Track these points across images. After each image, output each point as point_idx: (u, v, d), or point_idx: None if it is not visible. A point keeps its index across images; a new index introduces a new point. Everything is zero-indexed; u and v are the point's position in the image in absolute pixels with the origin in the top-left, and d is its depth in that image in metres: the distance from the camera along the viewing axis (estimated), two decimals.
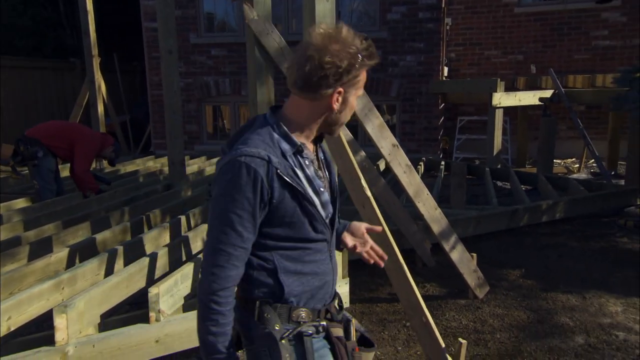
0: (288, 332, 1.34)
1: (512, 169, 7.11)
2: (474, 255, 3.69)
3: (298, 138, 1.36)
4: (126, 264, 3.12)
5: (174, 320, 2.64)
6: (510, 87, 8.18)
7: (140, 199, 4.80)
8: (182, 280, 2.79)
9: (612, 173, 7.25)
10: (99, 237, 3.47)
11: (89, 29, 7.49)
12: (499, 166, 7.37)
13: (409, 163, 3.42)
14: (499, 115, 7.28)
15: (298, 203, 1.32)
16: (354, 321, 1.48)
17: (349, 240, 1.59)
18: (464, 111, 9.48)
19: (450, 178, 6.59)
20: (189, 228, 3.93)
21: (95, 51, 7.63)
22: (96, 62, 7.68)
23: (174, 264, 3.20)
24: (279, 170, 1.27)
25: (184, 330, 2.65)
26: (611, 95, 5.77)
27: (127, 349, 2.49)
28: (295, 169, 1.32)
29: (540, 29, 9.04)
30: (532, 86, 8.29)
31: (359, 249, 1.59)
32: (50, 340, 2.33)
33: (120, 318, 2.74)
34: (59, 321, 2.32)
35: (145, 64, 9.36)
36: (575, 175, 7.33)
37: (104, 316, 2.67)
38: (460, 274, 3.61)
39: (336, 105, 1.32)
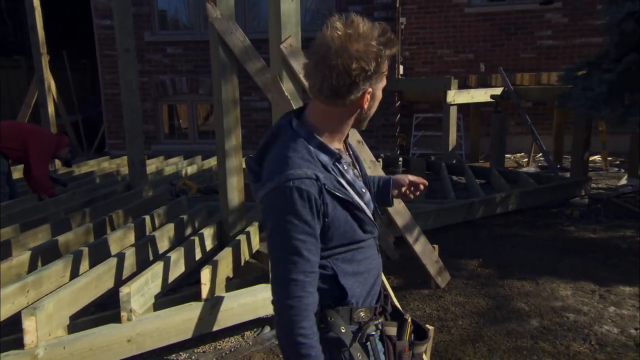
0: (358, 336, 1.32)
1: (466, 164, 7.39)
2: (436, 246, 3.84)
3: (332, 144, 1.31)
4: (92, 265, 3.07)
5: (145, 319, 2.64)
6: (463, 85, 8.48)
7: (99, 200, 4.70)
8: (152, 279, 2.78)
9: (558, 166, 7.67)
10: (61, 239, 3.39)
11: (36, 26, 7.20)
12: (454, 161, 7.63)
13: (374, 159, 3.53)
14: (453, 112, 7.54)
15: (348, 212, 1.29)
16: (409, 320, 1.46)
17: (397, 192, 1.66)
18: (420, 108, 9.74)
19: (410, 173, 6.77)
20: (154, 228, 3.89)
21: (43, 49, 7.35)
22: (45, 60, 7.39)
23: (142, 264, 3.17)
24: (326, 186, 1.23)
25: (155, 328, 2.65)
26: (556, 92, 6.10)
27: (98, 350, 2.47)
28: (339, 179, 1.28)
29: (489, 28, 9.41)
30: (482, 84, 8.62)
31: (408, 195, 1.66)
32: (19, 344, 2.28)
33: (90, 319, 2.71)
34: (28, 324, 2.28)
35: (98, 62, 9.10)
36: (525, 169, 7.70)
37: (73, 318, 2.63)
38: (423, 265, 3.75)
39: (367, 105, 1.28)
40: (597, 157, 8.23)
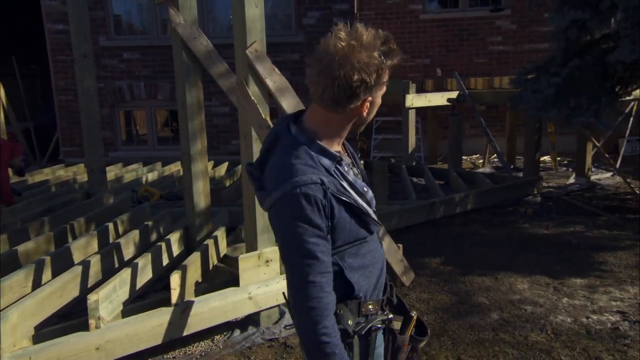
0: (360, 327, 1.36)
1: (425, 166, 7.59)
2: (400, 246, 3.95)
3: (332, 147, 1.34)
4: (55, 274, 3.00)
5: (114, 326, 2.61)
6: (420, 89, 8.71)
7: (58, 208, 4.57)
8: (120, 286, 2.75)
9: (512, 166, 8.00)
10: (21, 248, 3.29)
11: None
12: (414, 163, 7.82)
13: None
14: (412, 116, 7.73)
15: (353, 214, 1.32)
16: (415, 317, 1.51)
17: None
18: (379, 112, 9.61)
19: (373, 176, 6.91)
20: (118, 235, 3.83)
21: None
22: None
23: (107, 272, 3.13)
24: (331, 190, 1.26)
25: (125, 335, 2.63)
26: (508, 95, 6.38)
27: (66, 359, 2.43)
28: (342, 182, 1.32)
29: (443, 34, 9.72)
30: (439, 88, 8.89)
31: None
32: None
33: (56, 329, 2.65)
34: None
35: (50, 67, 8.81)
36: (480, 170, 7.99)
37: (38, 328, 2.57)
38: (389, 264, 3.85)
39: (365, 112, 1.31)
40: (547, 158, 8.62)
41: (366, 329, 1.36)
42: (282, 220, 1.28)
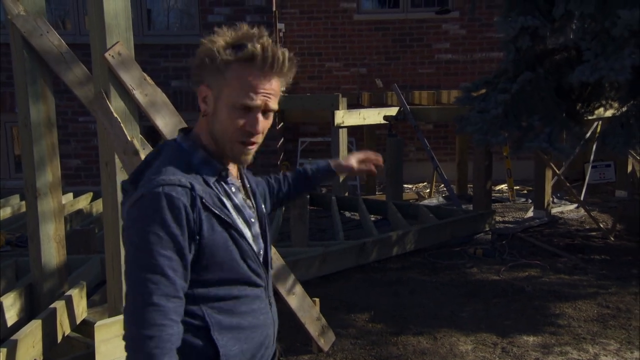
0: None
1: (361, 197, 7.60)
2: (317, 300, 3.83)
3: (219, 162, 1.42)
4: None
5: None
6: (355, 104, 8.80)
7: None
8: None
9: (463, 197, 8.17)
10: None
11: None
12: (346, 194, 7.82)
13: None
14: (343, 136, 7.75)
15: (229, 236, 1.34)
16: None
17: (348, 167, 1.99)
18: (306, 131, 9.93)
19: (291, 211, 6.80)
20: None
21: None
22: None
23: None
24: (204, 200, 1.30)
25: None
26: (453, 116, 6.53)
27: None
28: (222, 197, 1.37)
29: (382, 39, 9.92)
30: (377, 102, 9.02)
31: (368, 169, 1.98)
32: None
33: None
34: None
35: None
36: (426, 201, 8.10)
37: None
38: (302, 324, 3.72)
39: (204, 107, 1.41)
40: (503, 186, 8.90)
41: None
42: (134, 222, 1.30)
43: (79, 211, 6.32)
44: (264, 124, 1.42)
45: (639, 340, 3.84)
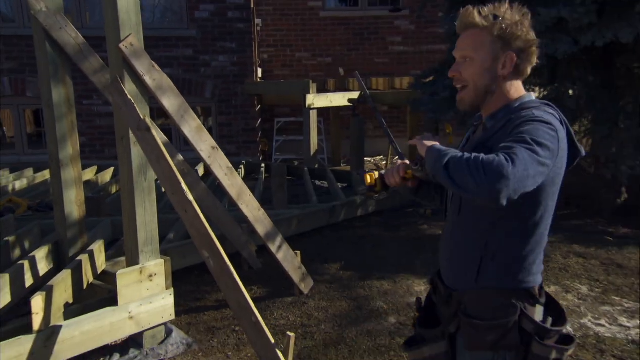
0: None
1: (328, 168, 7.73)
2: (298, 252, 3.97)
3: None
4: None
5: None
6: (322, 89, 8.87)
7: None
8: None
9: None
10: None
11: None
12: (316, 166, 7.94)
13: (230, 165, 3.54)
14: (313, 117, 7.84)
15: None
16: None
17: None
18: (280, 112, 9.97)
19: (271, 180, 6.90)
20: None
21: None
22: None
23: None
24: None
25: None
26: (409, 97, 6.69)
27: None
28: None
29: (344, 33, 9.97)
30: (341, 88, 9.11)
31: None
32: None
33: None
34: None
35: None
36: (383, 171, 8.27)
37: None
38: (286, 273, 3.85)
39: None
40: None
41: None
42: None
43: (87, 182, 6.28)
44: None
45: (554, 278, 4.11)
